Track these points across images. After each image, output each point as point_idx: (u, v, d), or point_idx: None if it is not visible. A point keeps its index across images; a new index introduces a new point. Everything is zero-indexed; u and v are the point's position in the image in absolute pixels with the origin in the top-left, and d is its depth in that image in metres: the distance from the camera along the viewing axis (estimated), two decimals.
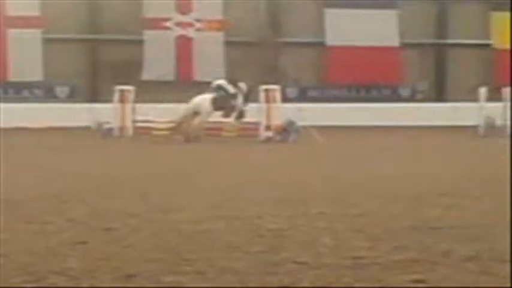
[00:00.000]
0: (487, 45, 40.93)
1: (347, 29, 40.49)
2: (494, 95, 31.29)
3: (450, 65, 42.06)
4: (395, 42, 40.93)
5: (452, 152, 22.00)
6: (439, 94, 41.24)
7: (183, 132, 26.45)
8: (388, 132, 31.66)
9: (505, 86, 31.40)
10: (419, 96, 41.01)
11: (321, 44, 41.17)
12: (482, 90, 31.81)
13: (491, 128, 29.98)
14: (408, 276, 6.41)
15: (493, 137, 27.91)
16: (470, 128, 31.11)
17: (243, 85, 27.53)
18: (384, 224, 8.96)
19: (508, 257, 7.04)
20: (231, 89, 27.22)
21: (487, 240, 7.90)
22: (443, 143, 26.02)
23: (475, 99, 32.30)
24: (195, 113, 26.57)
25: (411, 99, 40.52)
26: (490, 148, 23.72)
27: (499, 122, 30.15)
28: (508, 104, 29.67)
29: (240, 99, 27.16)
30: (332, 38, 40.94)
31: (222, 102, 26.82)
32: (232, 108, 27.05)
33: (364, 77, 39.94)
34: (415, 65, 41.35)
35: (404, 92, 41.23)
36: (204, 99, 26.65)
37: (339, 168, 16.41)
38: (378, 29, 40.47)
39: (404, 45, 40.80)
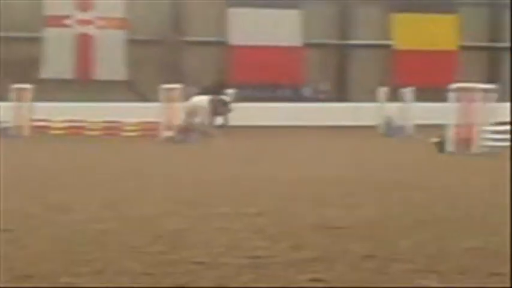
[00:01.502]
0: (388, 46, 41.61)
1: (250, 28, 40.61)
2: (394, 96, 31.84)
3: (352, 65, 42.56)
4: (298, 42, 41.24)
5: (352, 151, 22.26)
6: (340, 94, 41.70)
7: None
8: (290, 132, 31.84)
9: (403, 86, 31.98)
10: (321, 96, 41.40)
11: (224, 44, 41.19)
12: (382, 91, 32.35)
13: (390, 127, 30.50)
14: (306, 275, 6.43)
15: (392, 136, 28.40)
16: (371, 127, 31.60)
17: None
18: (282, 224, 8.98)
19: (401, 257, 7.14)
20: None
21: (382, 239, 8.00)
22: (344, 143, 26.30)
23: (375, 100, 32.81)
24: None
25: (313, 99, 40.88)
26: (388, 146, 24.11)
27: (398, 121, 30.71)
28: (408, 104, 30.21)
29: None
30: (235, 38, 41.00)
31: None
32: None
33: (267, 76, 40.11)
34: (318, 65, 41.72)
35: (307, 92, 41.55)
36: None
37: (239, 169, 16.39)
38: (280, 29, 40.69)
39: (307, 46, 41.13)
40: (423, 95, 32.54)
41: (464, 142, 20.19)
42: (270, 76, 40.43)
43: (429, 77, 39.07)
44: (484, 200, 11.38)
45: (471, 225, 8.97)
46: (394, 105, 30.87)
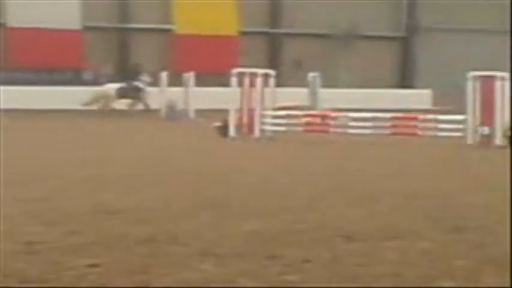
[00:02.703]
0: (169, 30, 41.59)
1: (28, 10, 39.32)
2: (175, 80, 31.91)
3: (133, 49, 42.25)
4: (77, 25, 40.42)
5: (132, 135, 22.07)
6: (123, 78, 41.24)
7: None
8: (69, 115, 31.15)
9: (185, 71, 32.10)
10: (102, 79, 40.80)
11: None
12: (163, 75, 32.34)
13: (172, 112, 30.54)
14: (83, 260, 6.27)
15: (174, 121, 28.45)
16: (153, 111, 31.52)
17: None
18: (60, 209, 8.71)
19: (179, 241, 7.09)
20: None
21: (161, 223, 7.92)
22: (124, 126, 26.03)
23: (157, 84, 32.75)
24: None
25: (94, 82, 40.20)
26: (170, 131, 24.11)
27: (180, 106, 30.80)
28: (190, 89, 30.35)
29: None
30: (13, 19, 39.61)
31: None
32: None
33: (46, 59, 39.02)
34: (99, 48, 41.08)
35: (88, 75, 40.81)
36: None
37: (16, 154, 15.78)
38: (59, 12, 39.70)
39: (86, 29, 40.39)
40: (205, 80, 32.87)
41: (246, 127, 20.50)
42: (49, 59, 39.37)
43: (211, 62, 39.48)
44: (262, 183, 11.57)
45: (248, 209, 9.05)
46: (176, 90, 30.92)
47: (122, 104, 32.47)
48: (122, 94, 31.88)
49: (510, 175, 11.58)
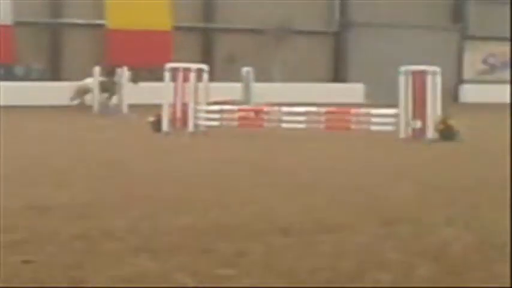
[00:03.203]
0: (102, 25, 41.19)
1: None
2: (109, 75, 31.67)
3: (66, 44, 41.78)
4: (8, 21, 39.80)
5: (63, 130, 21.83)
6: (54, 73, 40.81)
7: None
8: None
9: (117, 66, 31.85)
10: (34, 75, 40.26)
11: None
12: (96, 70, 32.05)
13: (105, 106, 30.32)
14: (17, 256, 6.20)
15: (107, 116, 28.21)
16: (87, 107, 31.27)
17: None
18: None
19: (114, 236, 7.04)
20: None
21: (95, 219, 7.86)
22: (55, 122, 25.72)
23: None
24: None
25: (26, 78, 39.67)
26: (103, 126, 23.89)
27: (113, 101, 30.58)
28: (122, 82, 30.14)
29: None
30: None
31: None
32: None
33: None
34: (30, 44, 40.55)
35: (19, 71, 40.28)
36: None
37: None
38: None
39: (17, 24, 39.80)
40: (139, 75, 32.68)
41: (180, 122, 20.44)
42: None
43: (144, 57, 39.24)
44: (196, 177, 11.56)
45: (182, 203, 9.03)
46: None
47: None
48: (102, 88, 31.86)
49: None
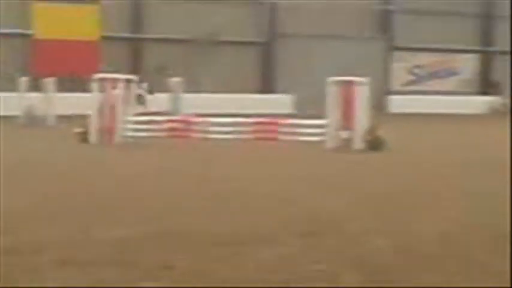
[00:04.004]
0: (28, 35, 40.63)
1: None
2: (35, 85, 31.21)
3: None
4: None
5: None
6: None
7: None
8: None
9: (45, 76, 31.45)
10: None
11: None
12: (23, 80, 31.57)
13: (31, 118, 29.86)
14: None
15: (33, 127, 27.82)
16: (12, 118, 30.73)
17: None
18: None
19: (43, 248, 6.93)
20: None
21: (23, 232, 7.73)
22: None
23: (16, 89, 31.92)
24: None
25: None
26: (29, 137, 23.56)
27: (39, 112, 30.15)
28: (50, 94, 29.74)
29: None
30: None
31: None
32: None
33: None
34: None
35: None
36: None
37: None
38: None
39: None
40: (66, 85, 32.33)
41: (107, 132, 20.26)
42: None
43: (71, 67, 38.84)
44: (125, 188, 11.46)
45: (111, 215, 8.94)
46: (35, 95, 30.25)
47: None
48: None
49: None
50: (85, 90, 24.67)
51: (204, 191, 11.27)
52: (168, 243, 7.30)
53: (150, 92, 32.91)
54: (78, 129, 20.82)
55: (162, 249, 7.06)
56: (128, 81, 20.99)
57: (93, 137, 20.18)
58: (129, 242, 7.32)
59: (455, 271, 6.43)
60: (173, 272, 6.26)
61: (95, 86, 20.62)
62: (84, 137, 20.33)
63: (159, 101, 33.32)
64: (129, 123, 20.44)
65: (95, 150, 18.82)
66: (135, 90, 32.28)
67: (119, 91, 20.47)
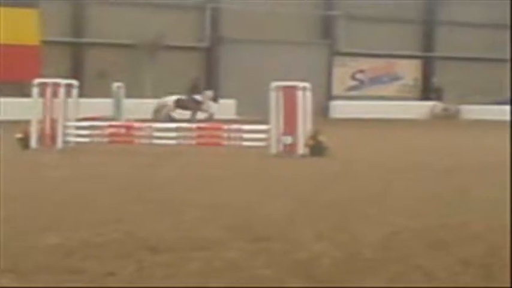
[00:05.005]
0: None
1: None
2: None
3: None
4: None
5: None
6: None
7: None
8: None
9: (9, 81, 31.06)
10: None
11: None
12: None
13: None
14: None
15: None
16: None
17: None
18: None
19: None
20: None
21: None
22: None
23: None
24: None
25: None
26: None
27: None
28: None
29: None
30: None
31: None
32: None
33: None
34: None
35: None
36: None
37: None
38: None
39: None
40: (5, 90, 31.93)
41: (49, 138, 20.02)
42: None
43: (11, 72, 38.30)
44: (64, 195, 11.32)
45: (50, 222, 8.80)
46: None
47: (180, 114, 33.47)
48: (180, 105, 34.13)
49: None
50: (25, 95, 24.37)
51: (145, 196, 11.16)
52: (108, 250, 7.20)
53: (215, 99, 34.35)
54: (19, 135, 20.52)
55: (103, 256, 6.96)
56: (69, 86, 20.75)
57: (33, 142, 19.92)
58: (65, 250, 7.19)
59: (397, 274, 6.46)
60: (115, 279, 6.19)
61: (35, 90, 20.35)
62: (25, 143, 20.05)
63: (224, 107, 34.44)
64: (71, 128, 20.22)
65: (34, 155, 18.56)
66: (204, 97, 34.08)
67: (60, 96, 20.23)
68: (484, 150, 21.50)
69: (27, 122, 20.23)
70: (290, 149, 18.54)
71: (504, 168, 14.65)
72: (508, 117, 40.60)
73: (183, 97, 34.53)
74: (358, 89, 50.41)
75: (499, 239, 7.94)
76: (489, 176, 14.33)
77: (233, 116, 38.91)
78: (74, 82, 21.11)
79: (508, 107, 45.68)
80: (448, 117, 45.92)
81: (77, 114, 20.74)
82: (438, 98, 49.20)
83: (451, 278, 6.39)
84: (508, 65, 50.82)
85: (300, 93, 18.88)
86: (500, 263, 6.88)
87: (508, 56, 51.47)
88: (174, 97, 34.89)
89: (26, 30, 40.82)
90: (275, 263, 6.82)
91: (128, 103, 31.72)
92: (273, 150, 18.54)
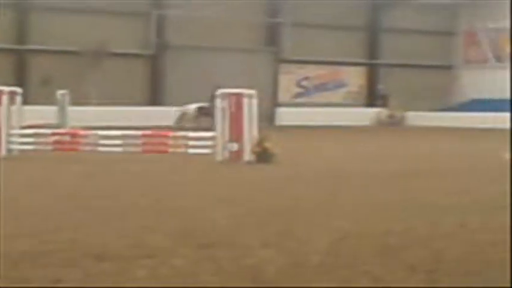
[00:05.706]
0: None
1: None
2: None
3: None
4: None
5: None
6: None
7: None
8: None
9: None
10: None
11: None
12: None
13: None
14: None
15: None
16: None
17: None
18: None
19: None
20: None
21: None
22: None
23: None
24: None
25: None
26: None
27: None
28: None
29: None
30: None
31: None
32: None
33: None
34: None
35: None
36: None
37: None
38: None
39: None
40: None
41: None
42: None
43: None
44: (8, 204, 11.15)
45: None
46: None
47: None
48: (203, 113, 34.90)
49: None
50: None
51: (89, 203, 11.05)
52: (54, 258, 7.11)
53: None
54: None
55: (49, 264, 6.87)
56: (13, 93, 20.50)
57: None
58: (11, 259, 7.08)
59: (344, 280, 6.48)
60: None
61: None
62: None
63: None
64: (14, 136, 19.97)
65: None
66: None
67: (3, 103, 19.97)
68: (428, 156, 21.74)
69: None
70: (236, 155, 18.52)
71: (450, 173, 14.83)
72: (446, 124, 41.29)
73: (205, 104, 34.95)
74: (303, 96, 50.62)
75: (444, 244, 8.02)
76: (433, 182, 14.49)
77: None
78: (18, 89, 20.88)
79: (450, 114, 46.43)
80: (394, 124, 46.37)
81: (21, 122, 20.50)
82: (383, 104, 49.64)
83: (397, 283, 6.43)
84: (451, 71, 51.67)
85: (246, 100, 18.88)
86: (445, 267, 6.95)
87: (450, 63, 52.32)
88: (196, 105, 35.91)
89: None
90: (222, 269, 6.79)
91: (73, 110, 31.43)
92: (219, 157, 18.50)
